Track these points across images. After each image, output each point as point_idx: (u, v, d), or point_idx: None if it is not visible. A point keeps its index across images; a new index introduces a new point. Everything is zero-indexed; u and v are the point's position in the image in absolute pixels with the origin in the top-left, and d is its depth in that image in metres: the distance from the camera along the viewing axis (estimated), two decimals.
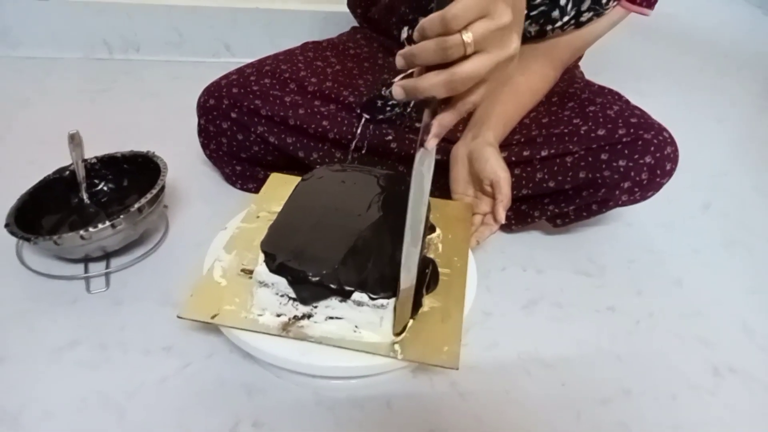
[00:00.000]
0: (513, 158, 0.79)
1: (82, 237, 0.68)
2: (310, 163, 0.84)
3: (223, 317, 0.58)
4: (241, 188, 0.92)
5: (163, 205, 0.80)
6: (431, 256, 0.67)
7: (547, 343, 0.70)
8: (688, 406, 0.64)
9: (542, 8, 0.78)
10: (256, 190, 0.90)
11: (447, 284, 0.64)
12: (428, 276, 0.63)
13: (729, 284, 0.83)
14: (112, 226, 0.69)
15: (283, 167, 0.88)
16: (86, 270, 0.74)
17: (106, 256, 0.76)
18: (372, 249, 0.58)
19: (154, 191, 0.73)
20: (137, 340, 0.66)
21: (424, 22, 0.44)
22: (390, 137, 0.83)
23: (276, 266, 0.56)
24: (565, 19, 0.78)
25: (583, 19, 0.79)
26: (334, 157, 0.84)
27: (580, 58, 0.99)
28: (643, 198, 0.76)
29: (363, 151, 0.84)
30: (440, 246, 0.69)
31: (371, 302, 0.54)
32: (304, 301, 0.56)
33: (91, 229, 0.68)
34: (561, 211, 0.81)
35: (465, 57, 0.44)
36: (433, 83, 0.46)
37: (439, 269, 0.65)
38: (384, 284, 0.55)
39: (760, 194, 1.05)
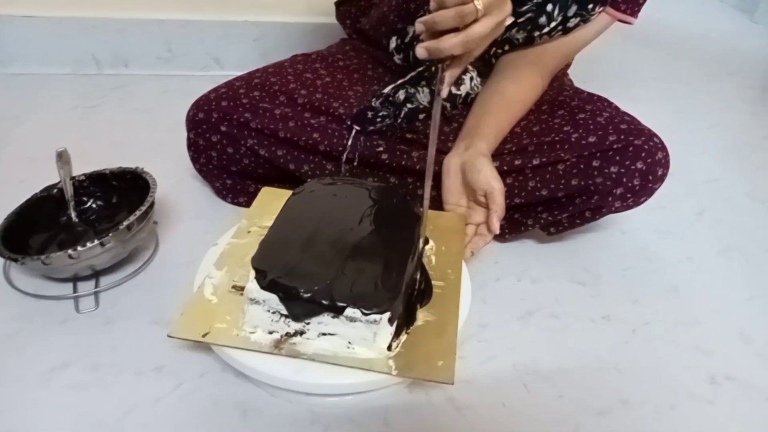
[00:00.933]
0: (505, 167, 0.78)
1: (70, 256, 0.67)
2: (301, 176, 0.84)
3: (215, 335, 0.57)
4: (232, 202, 0.91)
5: (153, 221, 0.79)
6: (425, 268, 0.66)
7: (543, 354, 0.70)
8: (687, 415, 0.64)
9: (529, 15, 0.79)
10: (248, 204, 0.89)
11: (441, 297, 0.63)
12: (422, 289, 0.63)
13: (725, 291, 0.82)
14: (101, 244, 0.68)
15: (275, 180, 0.87)
16: (75, 289, 0.73)
17: (96, 274, 0.75)
18: (364, 263, 0.57)
19: (143, 208, 0.72)
20: (129, 361, 0.65)
21: None
22: (381, 148, 0.82)
23: (267, 283, 0.55)
24: (552, 25, 0.79)
25: (570, 24, 0.79)
26: (326, 170, 0.84)
27: (568, 65, 1.00)
28: (636, 204, 0.76)
29: (354, 163, 0.83)
30: (434, 258, 0.69)
31: (364, 318, 0.53)
32: (296, 318, 0.56)
33: (79, 248, 0.67)
34: (554, 219, 0.80)
35: (475, 20, 0.54)
36: (453, 43, 0.55)
37: (433, 282, 0.65)
38: (377, 299, 0.54)
39: (754, 200, 1.05)
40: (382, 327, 0.54)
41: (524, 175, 0.78)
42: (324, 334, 0.56)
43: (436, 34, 0.56)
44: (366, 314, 0.53)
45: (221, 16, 1.31)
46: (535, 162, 0.77)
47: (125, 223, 0.70)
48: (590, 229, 0.89)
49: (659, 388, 0.67)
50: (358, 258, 0.58)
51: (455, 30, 0.55)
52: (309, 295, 0.54)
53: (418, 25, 0.56)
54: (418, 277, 0.64)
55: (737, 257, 0.90)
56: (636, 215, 0.81)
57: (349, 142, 0.82)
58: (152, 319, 0.70)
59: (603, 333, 0.74)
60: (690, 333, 0.75)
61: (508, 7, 0.58)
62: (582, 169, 0.74)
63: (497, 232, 0.72)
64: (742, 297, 0.82)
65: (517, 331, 0.73)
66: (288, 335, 0.57)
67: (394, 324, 0.55)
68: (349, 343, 0.56)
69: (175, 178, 0.94)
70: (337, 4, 1.08)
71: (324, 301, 0.54)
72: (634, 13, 0.81)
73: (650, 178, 0.73)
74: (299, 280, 0.55)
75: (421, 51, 0.57)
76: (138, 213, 0.72)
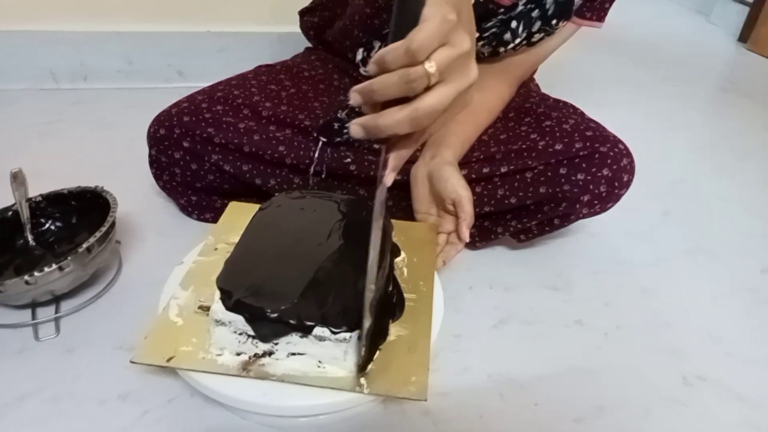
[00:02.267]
0: (473, 176, 0.78)
1: (27, 282, 0.64)
2: (268, 190, 0.82)
3: (180, 360, 0.55)
4: (198, 219, 0.89)
5: (115, 241, 0.76)
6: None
7: (518, 362, 0.69)
8: (661, 419, 0.64)
9: (494, 30, 0.79)
10: (214, 220, 0.87)
11: (413, 310, 0.62)
12: (394, 303, 0.62)
13: (693, 292, 0.84)
14: (60, 268, 0.66)
15: (241, 195, 0.85)
16: (34, 316, 0.70)
17: (56, 299, 0.72)
18: (333, 280, 0.56)
19: (104, 228, 0.70)
20: (92, 389, 0.62)
21: (384, 54, 0.41)
22: (349, 159, 0.81)
23: (232, 303, 0.53)
24: (517, 41, 0.79)
25: (534, 39, 0.80)
26: (293, 183, 0.82)
27: (534, 71, 1.00)
28: (603, 210, 0.77)
29: (323, 176, 0.82)
30: (405, 270, 0.68)
31: (333, 336, 0.52)
32: (264, 339, 0.54)
33: (36, 273, 0.64)
34: (524, 226, 0.80)
35: (427, 88, 0.42)
36: (396, 120, 0.42)
37: (405, 295, 0.64)
38: (346, 317, 0.53)
39: (718, 199, 1.07)
40: (353, 345, 0.53)
41: (493, 184, 0.78)
42: (293, 354, 0.55)
43: (378, 106, 0.44)
44: (335, 333, 0.52)
45: (183, 27, 1.28)
46: (503, 170, 0.77)
47: (85, 245, 0.67)
48: (561, 234, 0.89)
49: (633, 392, 0.67)
50: (327, 275, 0.56)
51: (402, 101, 0.43)
52: (276, 315, 0.52)
53: (354, 96, 0.43)
54: (390, 290, 0.63)
55: (704, 257, 0.91)
56: (604, 218, 0.81)
57: (316, 155, 0.81)
58: (116, 344, 0.67)
59: (576, 338, 0.74)
60: (661, 335, 0.75)
61: (473, 73, 0.45)
62: (549, 177, 0.74)
63: (467, 240, 0.72)
64: (709, 297, 0.83)
65: (491, 340, 0.72)
66: (256, 356, 0.55)
67: (365, 342, 0.54)
68: (320, 362, 0.54)
69: (139, 196, 0.92)
70: (301, 14, 1.07)
71: (292, 321, 0.52)
72: (601, 19, 0.82)
73: (616, 184, 0.73)
74: (266, 299, 0.53)
75: (355, 129, 0.44)
76: (98, 234, 0.69)
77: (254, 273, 0.56)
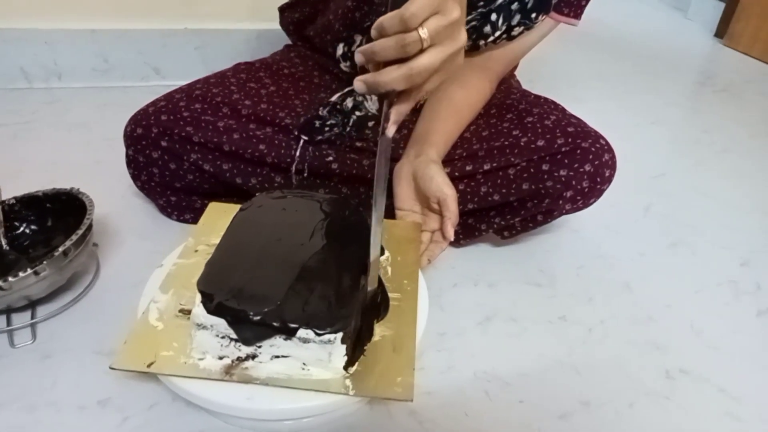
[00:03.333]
0: (456, 173, 0.78)
1: (1, 287, 0.62)
2: (249, 189, 0.81)
3: (161, 365, 0.54)
4: (178, 219, 0.87)
5: (92, 244, 0.75)
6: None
7: (503, 359, 0.69)
8: (645, 413, 0.64)
9: (474, 23, 0.79)
10: (194, 221, 0.85)
11: (398, 310, 0.62)
12: (378, 303, 0.61)
13: (675, 285, 0.84)
14: (35, 273, 0.64)
15: (222, 195, 0.84)
16: (9, 322, 0.68)
17: (32, 305, 0.70)
18: (316, 281, 0.55)
19: (80, 231, 0.68)
20: (70, 397, 0.61)
21: (383, 20, 0.48)
22: (331, 158, 0.81)
23: (214, 307, 0.52)
24: (497, 34, 0.79)
25: (514, 33, 0.80)
26: (274, 182, 0.81)
27: (515, 67, 1.00)
28: (586, 205, 0.77)
29: (304, 174, 0.81)
30: (389, 269, 0.67)
31: (318, 338, 0.51)
32: (247, 342, 0.53)
33: (11, 279, 0.62)
34: (507, 223, 0.80)
35: (421, 51, 0.49)
36: (393, 77, 0.49)
37: (390, 294, 0.63)
38: (330, 318, 0.52)
39: (698, 193, 1.08)
40: (337, 347, 0.52)
41: (476, 181, 0.78)
42: (277, 357, 0.54)
43: (379, 65, 0.51)
44: (319, 334, 0.51)
45: (160, 25, 1.26)
46: (486, 167, 0.77)
47: (61, 248, 0.66)
48: (544, 230, 0.89)
49: (617, 387, 0.67)
50: (309, 276, 0.55)
51: (400, 61, 0.49)
52: (259, 317, 0.51)
53: (358, 56, 0.51)
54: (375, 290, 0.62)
55: (685, 251, 0.92)
56: (586, 213, 0.81)
57: (297, 153, 0.80)
58: (94, 349, 0.66)
59: (561, 334, 0.74)
60: (644, 329, 0.76)
61: (462, 37, 0.52)
62: (532, 173, 0.74)
63: (452, 239, 0.72)
64: (691, 290, 0.84)
65: (476, 337, 0.72)
66: (239, 360, 0.54)
67: (349, 343, 0.53)
68: (304, 364, 0.54)
69: (116, 197, 0.90)
70: (281, 10, 1.06)
71: (275, 324, 0.51)
72: (578, 16, 0.82)
73: (598, 179, 0.73)
74: (248, 302, 0.52)
75: (358, 84, 0.52)
76: (74, 237, 0.68)
77: (236, 275, 0.55)
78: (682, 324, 0.77)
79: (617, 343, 0.73)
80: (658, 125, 1.34)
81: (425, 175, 0.72)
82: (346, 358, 0.53)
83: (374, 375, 0.54)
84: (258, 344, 0.53)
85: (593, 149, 0.73)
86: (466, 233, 0.84)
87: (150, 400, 0.61)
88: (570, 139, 0.74)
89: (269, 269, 0.56)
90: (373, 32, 0.49)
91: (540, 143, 0.75)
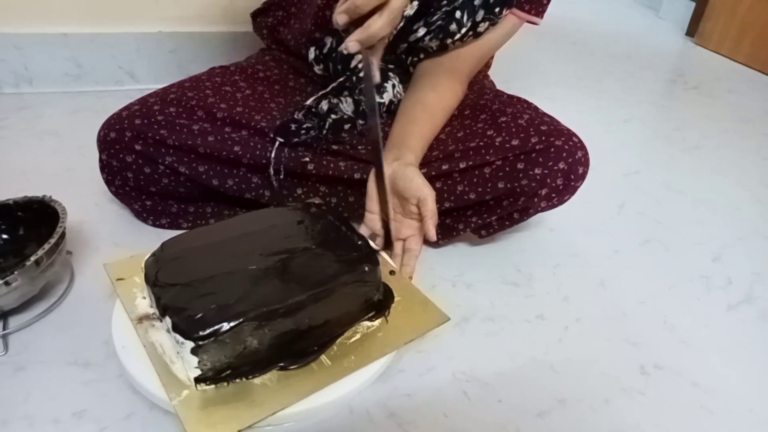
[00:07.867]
0: (433, 173, 0.78)
1: None
2: (226, 191, 0.81)
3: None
4: (154, 224, 0.86)
5: (66, 252, 0.74)
6: None
7: (481, 359, 0.70)
8: (621, 408, 0.66)
9: (439, 23, 0.80)
10: (170, 225, 0.85)
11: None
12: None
13: (648, 282, 0.86)
14: (6, 283, 0.63)
15: (198, 199, 0.84)
16: None
17: (3, 315, 0.69)
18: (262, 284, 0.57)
19: (53, 240, 0.67)
20: (44, 409, 0.60)
21: None
22: (307, 158, 0.80)
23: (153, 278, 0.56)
24: (463, 30, 0.81)
25: (480, 29, 0.82)
26: (252, 183, 0.81)
27: (488, 67, 1.01)
28: (561, 203, 0.78)
29: (281, 176, 0.81)
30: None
31: (172, 333, 0.53)
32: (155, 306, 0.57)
33: None
34: (484, 222, 0.81)
35: None
36: (381, 24, 0.58)
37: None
38: (195, 323, 0.52)
39: (670, 190, 1.10)
40: (186, 353, 0.51)
41: (452, 179, 0.78)
42: (169, 332, 0.55)
43: (360, 21, 0.58)
44: (169, 332, 0.53)
45: (133, 28, 1.24)
46: (462, 165, 0.77)
47: (33, 258, 0.65)
48: (520, 229, 0.90)
49: (593, 384, 0.68)
50: (266, 278, 0.57)
51: (375, 12, 0.57)
52: (157, 286, 0.55)
53: (341, 17, 0.57)
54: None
55: (658, 247, 0.94)
56: (562, 212, 0.83)
57: (272, 155, 0.80)
58: (69, 360, 0.65)
59: (538, 333, 0.75)
60: (618, 326, 0.77)
61: None
62: (507, 172, 0.75)
63: (434, 238, 0.72)
64: (664, 286, 0.85)
65: (454, 338, 0.73)
66: (153, 316, 0.59)
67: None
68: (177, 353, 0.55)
69: (90, 204, 0.89)
70: (254, 16, 1.05)
71: (160, 298, 0.55)
72: (539, 14, 0.84)
73: (572, 177, 0.74)
74: (172, 277, 0.56)
75: (352, 45, 0.58)
76: (47, 246, 0.66)
77: (191, 273, 0.58)
78: (656, 320, 0.79)
79: (593, 340, 0.74)
80: (631, 123, 1.37)
81: (405, 177, 0.72)
82: (198, 371, 0.52)
83: (408, 322, 0.63)
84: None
85: (566, 147, 0.74)
86: (445, 233, 0.84)
87: (126, 410, 0.60)
88: (543, 138, 0.75)
89: (226, 264, 0.59)
90: None
91: (514, 142, 0.75)
